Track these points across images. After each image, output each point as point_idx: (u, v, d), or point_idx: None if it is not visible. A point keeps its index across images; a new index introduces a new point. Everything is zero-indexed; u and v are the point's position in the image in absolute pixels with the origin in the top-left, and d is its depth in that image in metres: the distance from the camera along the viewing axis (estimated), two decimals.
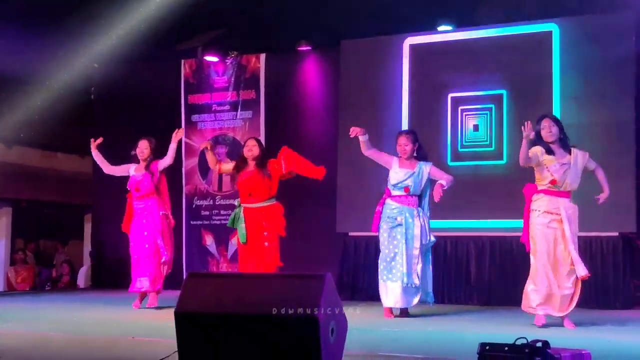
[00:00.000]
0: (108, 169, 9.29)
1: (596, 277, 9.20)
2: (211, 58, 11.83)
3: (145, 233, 8.83)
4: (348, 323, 4.26)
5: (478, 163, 10.03)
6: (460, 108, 10.16)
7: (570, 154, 7.19)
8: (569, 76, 9.66)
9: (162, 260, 8.79)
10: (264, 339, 4.04)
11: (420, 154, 8.10)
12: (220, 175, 11.70)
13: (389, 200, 8.05)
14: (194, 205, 11.90)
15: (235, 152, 11.62)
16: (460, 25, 10.40)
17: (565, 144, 7.21)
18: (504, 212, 9.74)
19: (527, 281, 7.19)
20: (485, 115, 10.01)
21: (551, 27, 9.82)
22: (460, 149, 10.14)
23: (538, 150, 7.15)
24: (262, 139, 11.40)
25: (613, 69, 9.45)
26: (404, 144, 8.03)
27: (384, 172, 10.39)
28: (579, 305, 8.98)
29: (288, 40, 11.37)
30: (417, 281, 7.86)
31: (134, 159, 9.05)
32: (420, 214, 8.00)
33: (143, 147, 9.02)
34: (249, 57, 11.65)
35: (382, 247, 8.04)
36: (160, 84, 12.13)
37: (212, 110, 11.90)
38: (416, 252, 7.91)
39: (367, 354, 5.06)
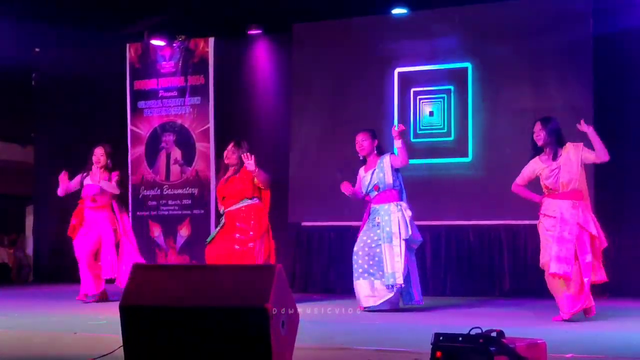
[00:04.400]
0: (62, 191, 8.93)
1: None
2: (157, 42, 11.44)
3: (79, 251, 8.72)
4: (304, 315, 4.22)
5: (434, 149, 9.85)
6: (417, 96, 9.94)
7: (561, 154, 6.88)
8: (525, 60, 9.51)
9: (108, 277, 8.72)
10: (213, 332, 3.94)
11: (380, 150, 7.88)
12: (168, 165, 11.36)
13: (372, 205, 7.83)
14: (140, 196, 11.53)
15: (183, 140, 11.32)
16: (415, 8, 10.16)
17: (554, 146, 6.89)
18: (462, 200, 9.61)
19: None
20: (441, 102, 9.82)
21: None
22: (415, 137, 9.92)
23: (530, 169, 7.00)
24: (211, 125, 11.13)
25: (571, 53, 9.33)
26: (361, 141, 7.85)
27: (337, 160, 10.23)
28: (534, 294, 8.97)
29: (238, 24, 11.04)
30: (401, 281, 7.55)
31: (87, 168, 8.86)
32: (398, 208, 7.69)
33: (99, 155, 8.78)
34: (197, 40, 11.29)
35: (358, 246, 7.75)
36: (105, 69, 11.76)
37: (159, 97, 11.52)
38: (397, 249, 7.58)
39: (320, 347, 4.99)
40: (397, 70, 10.00)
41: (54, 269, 12.26)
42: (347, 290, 9.77)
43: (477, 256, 9.55)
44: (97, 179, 8.74)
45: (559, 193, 6.85)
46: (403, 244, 7.57)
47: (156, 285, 4.10)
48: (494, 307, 8.03)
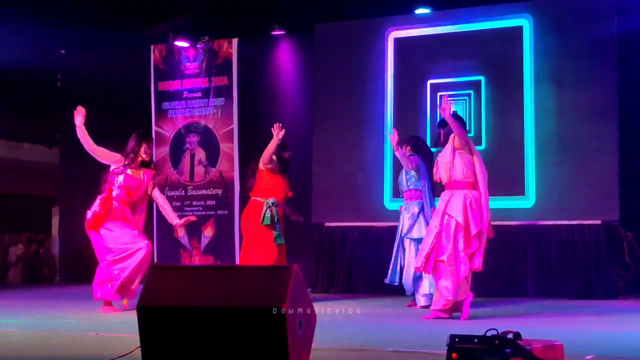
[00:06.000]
0: (92, 147, 7.97)
1: (578, 266, 9.06)
2: (182, 43, 11.50)
3: (111, 245, 7.70)
4: (323, 316, 4.14)
5: None
6: (439, 94, 9.89)
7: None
8: (549, 60, 9.45)
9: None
10: (230, 333, 3.92)
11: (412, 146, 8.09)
12: (192, 165, 11.40)
13: None
14: (165, 197, 11.55)
15: (207, 141, 11.37)
16: (438, 8, 10.12)
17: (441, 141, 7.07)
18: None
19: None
20: (464, 101, 9.77)
21: (530, 10, 9.60)
22: None
23: None
24: (235, 126, 11.16)
25: (595, 52, 9.25)
26: None
27: (360, 161, 10.23)
28: (558, 295, 8.89)
29: (261, 25, 11.06)
30: (396, 280, 8.03)
31: (128, 156, 7.90)
32: (405, 206, 8.11)
33: (149, 150, 8.01)
34: (221, 42, 11.34)
35: None
36: (130, 70, 11.83)
37: (183, 98, 11.58)
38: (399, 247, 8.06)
39: (338, 348, 4.96)
40: (430, 82, 9.96)
41: (80, 269, 12.34)
42: (369, 291, 9.80)
43: (500, 257, 9.47)
44: (139, 175, 7.93)
45: (445, 185, 6.96)
46: (403, 241, 8.03)
47: (173, 286, 4.10)
48: (517, 309, 7.96)
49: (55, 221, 13.96)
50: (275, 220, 8.09)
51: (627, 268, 9.12)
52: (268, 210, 8.07)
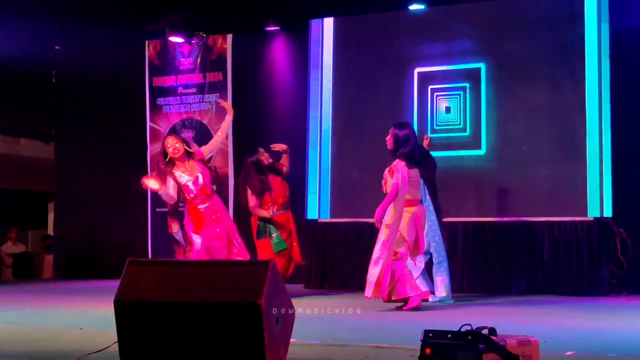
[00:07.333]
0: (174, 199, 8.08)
1: (571, 263, 9.04)
2: (176, 39, 11.48)
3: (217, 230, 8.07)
4: (308, 312, 4.14)
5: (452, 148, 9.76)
6: (433, 91, 9.87)
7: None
8: (543, 57, 9.42)
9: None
10: (207, 327, 3.94)
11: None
12: None
13: None
14: None
15: (202, 136, 11.33)
16: (432, 4, 10.09)
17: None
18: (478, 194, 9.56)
19: None
20: (457, 98, 9.75)
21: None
22: (432, 133, 9.86)
23: None
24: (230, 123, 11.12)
25: (594, 50, 9.18)
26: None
27: (354, 158, 10.21)
28: (552, 291, 8.88)
29: (255, 20, 11.04)
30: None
31: (166, 166, 7.91)
32: None
33: (174, 144, 7.90)
34: (216, 37, 11.32)
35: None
36: (124, 66, 11.84)
37: (178, 93, 11.56)
38: None
39: (319, 343, 4.99)
40: (417, 70, 9.93)
41: (75, 266, 12.37)
42: (363, 287, 9.76)
43: (492, 254, 9.46)
44: (195, 169, 8.02)
45: None
46: None
47: (151, 281, 4.11)
48: (507, 305, 7.95)
49: (52, 217, 13.98)
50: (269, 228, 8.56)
51: (619, 265, 9.09)
52: (261, 223, 8.61)
